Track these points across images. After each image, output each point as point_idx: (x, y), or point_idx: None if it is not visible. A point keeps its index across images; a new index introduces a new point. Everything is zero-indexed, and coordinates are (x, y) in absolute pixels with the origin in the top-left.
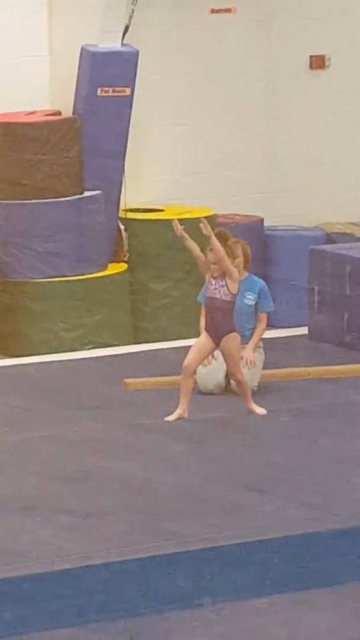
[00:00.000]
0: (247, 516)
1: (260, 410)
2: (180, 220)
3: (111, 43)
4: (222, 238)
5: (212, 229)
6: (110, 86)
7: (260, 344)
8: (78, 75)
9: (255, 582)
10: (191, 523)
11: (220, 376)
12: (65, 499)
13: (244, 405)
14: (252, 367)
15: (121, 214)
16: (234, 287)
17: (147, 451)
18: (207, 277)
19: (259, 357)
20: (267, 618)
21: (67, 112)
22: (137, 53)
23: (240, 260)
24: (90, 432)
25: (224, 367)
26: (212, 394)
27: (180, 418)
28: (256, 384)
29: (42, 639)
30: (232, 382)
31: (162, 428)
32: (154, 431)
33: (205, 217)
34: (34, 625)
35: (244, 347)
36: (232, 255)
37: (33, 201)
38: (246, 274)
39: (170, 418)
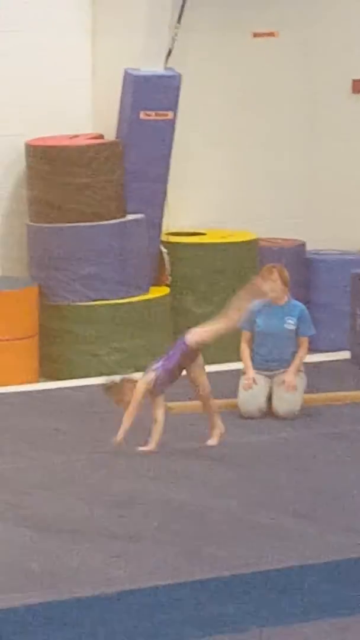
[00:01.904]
0: (292, 541)
1: (214, 442)
2: (222, 244)
3: (154, 66)
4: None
5: (255, 253)
6: (153, 110)
7: (302, 368)
8: (121, 99)
9: (300, 607)
10: (236, 548)
11: (262, 400)
12: (110, 523)
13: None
14: (293, 391)
15: (163, 238)
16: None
17: (191, 475)
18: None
19: (300, 382)
20: None
21: (110, 135)
22: (179, 77)
23: (278, 283)
24: (134, 456)
25: (265, 390)
26: (253, 418)
27: (221, 437)
28: (298, 408)
29: None
30: (274, 406)
31: (205, 452)
32: (197, 455)
33: (247, 241)
34: None
35: (285, 371)
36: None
37: (75, 225)
38: (286, 298)
39: (213, 442)
